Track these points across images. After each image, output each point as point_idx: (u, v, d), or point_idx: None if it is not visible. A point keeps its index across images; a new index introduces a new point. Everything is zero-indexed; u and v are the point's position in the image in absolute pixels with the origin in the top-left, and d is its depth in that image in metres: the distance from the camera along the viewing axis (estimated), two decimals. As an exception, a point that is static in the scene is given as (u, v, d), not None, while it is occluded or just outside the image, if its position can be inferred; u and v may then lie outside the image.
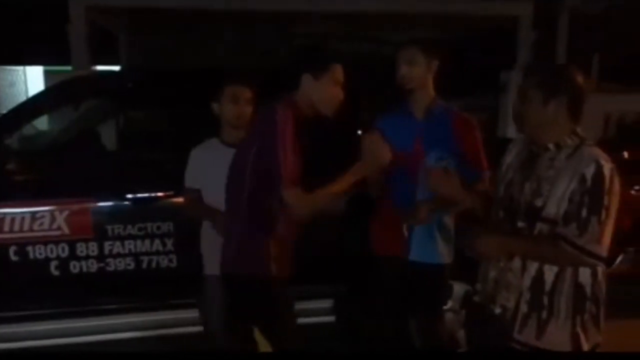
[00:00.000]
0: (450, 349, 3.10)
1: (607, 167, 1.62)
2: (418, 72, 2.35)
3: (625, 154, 3.62)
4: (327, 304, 3.09)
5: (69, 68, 5.83)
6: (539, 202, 1.70)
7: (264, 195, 2.00)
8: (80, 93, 3.33)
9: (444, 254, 2.45)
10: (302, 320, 3.02)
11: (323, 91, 2.07)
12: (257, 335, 2.03)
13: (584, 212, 1.61)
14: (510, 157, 1.90)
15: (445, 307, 3.10)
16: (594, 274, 1.72)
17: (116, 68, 6.77)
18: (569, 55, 8.92)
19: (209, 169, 2.52)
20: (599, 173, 1.60)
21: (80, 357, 2.82)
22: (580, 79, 1.72)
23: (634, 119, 6.55)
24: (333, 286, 3.09)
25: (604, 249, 1.65)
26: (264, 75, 3.19)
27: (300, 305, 3.03)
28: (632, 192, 3.66)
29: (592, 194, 1.60)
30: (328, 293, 3.09)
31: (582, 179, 1.61)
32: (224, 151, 2.53)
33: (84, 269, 2.89)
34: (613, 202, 1.62)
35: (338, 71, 2.09)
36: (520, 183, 1.78)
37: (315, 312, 3.07)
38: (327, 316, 3.08)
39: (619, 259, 3.55)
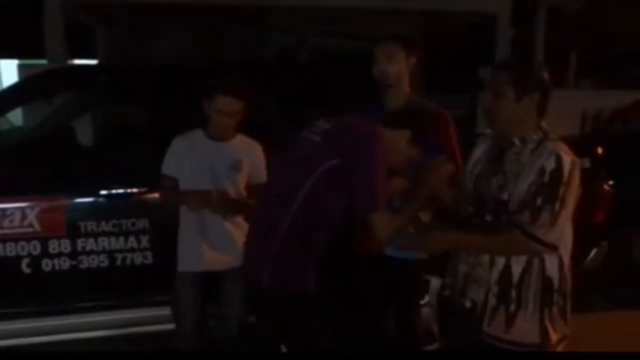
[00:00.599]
0: (426, 344, 3.13)
1: (567, 159, 1.66)
2: (397, 69, 2.35)
3: (600, 150, 3.67)
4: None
5: (44, 62, 5.73)
6: (504, 196, 1.73)
7: (333, 213, 1.86)
8: (54, 87, 3.27)
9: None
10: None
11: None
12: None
13: (539, 201, 1.65)
14: (478, 153, 1.93)
15: (422, 302, 3.12)
16: (561, 267, 1.75)
17: (94, 62, 6.68)
18: (547, 52, 9.04)
19: (189, 160, 2.50)
20: (558, 166, 1.64)
21: (80, 357, 2.83)
22: (550, 76, 1.75)
23: (611, 115, 6.65)
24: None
25: (555, 238, 1.69)
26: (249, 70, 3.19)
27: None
28: (606, 187, 3.72)
29: (548, 184, 1.64)
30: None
31: (542, 172, 1.65)
32: (207, 144, 2.52)
33: (57, 267, 2.84)
34: (570, 194, 1.66)
35: None
36: (488, 178, 1.81)
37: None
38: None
39: (593, 253, 3.60)
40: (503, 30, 6.50)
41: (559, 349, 1.77)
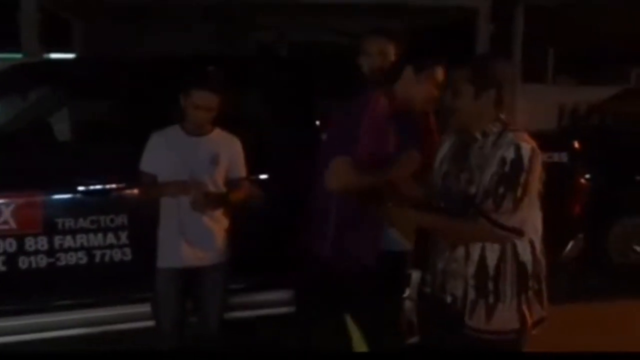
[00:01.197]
0: (408, 338, 3.15)
1: (526, 147, 1.70)
2: (388, 63, 2.35)
3: (576, 144, 3.73)
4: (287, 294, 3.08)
5: (19, 55, 5.63)
6: (472, 190, 1.77)
7: None
8: (28, 81, 3.20)
9: (401, 241, 2.46)
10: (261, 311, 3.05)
11: (421, 87, 2.10)
12: (350, 323, 2.05)
13: (501, 190, 1.70)
14: (444, 150, 1.97)
15: (403, 295, 3.14)
16: (533, 252, 1.80)
17: (70, 56, 6.57)
18: (525, 48, 9.14)
19: (167, 156, 2.48)
20: (517, 155, 1.69)
21: (80, 357, 2.81)
22: (507, 70, 1.79)
23: (588, 110, 6.76)
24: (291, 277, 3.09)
25: (518, 222, 1.73)
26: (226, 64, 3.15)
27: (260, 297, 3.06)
28: (582, 181, 3.78)
29: (509, 172, 1.69)
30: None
31: (502, 162, 1.70)
32: (185, 140, 2.50)
33: (33, 265, 2.79)
34: (531, 181, 1.71)
35: (439, 72, 2.11)
36: (456, 174, 1.85)
37: (274, 303, 3.07)
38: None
39: (570, 245, 3.66)
40: (483, 26, 6.55)
41: (536, 331, 1.82)
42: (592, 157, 4.01)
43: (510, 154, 1.69)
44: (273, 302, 3.05)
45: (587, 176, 3.86)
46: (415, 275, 3.15)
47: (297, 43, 7.16)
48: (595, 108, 6.30)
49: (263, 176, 3.01)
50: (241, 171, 2.60)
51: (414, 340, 3.17)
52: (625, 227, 4.43)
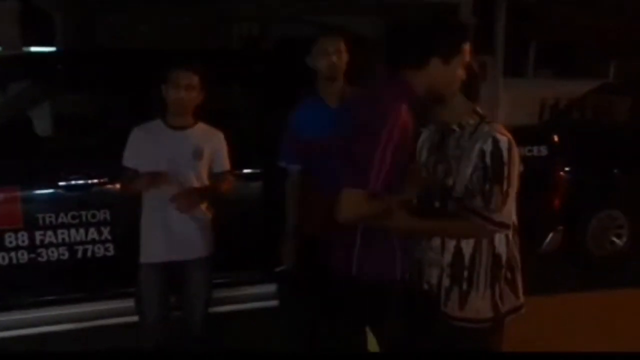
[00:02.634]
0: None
1: (504, 140, 1.73)
2: (343, 62, 2.42)
3: (556, 138, 3.78)
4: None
5: (-3, 49, 5.53)
6: (449, 181, 1.80)
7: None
8: (8, 75, 3.16)
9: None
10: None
11: (452, 75, 1.79)
12: (370, 336, 1.99)
13: (487, 185, 1.72)
14: (422, 140, 1.99)
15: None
16: (507, 243, 1.83)
17: (50, 49, 6.47)
18: (507, 42, 9.22)
19: (149, 150, 2.46)
20: (495, 147, 1.71)
21: (79, 357, 2.80)
22: (475, 63, 1.85)
23: (568, 105, 6.84)
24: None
25: (507, 217, 1.77)
26: (208, 57, 3.14)
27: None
28: (562, 173, 3.84)
29: (492, 167, 1.71)
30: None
31: (481, 155, 1.73)
32: (167, 134, 2.49)
33: (14, 261, 2.77)
34: (512, 172, 1.74)
35: (467, 52, 1.81)
36: (434, 165, 1.88)
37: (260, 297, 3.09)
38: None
39: (549, 237, 3.73)
40: (464, 20, 6.58)
41: (509, 320, 1.86)
42: (572, 150, 4.08)
43: (488, 147, 1.71)
44: (258, 296, 3.07)
45: (567, 169, 3.93)
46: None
47: (280, 37, 7.15)
48: (575, 102, 6.38)
49: (247, 170, 3.02)
50: (225, 165, 2.60)
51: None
52: (604, 220, 4.52)
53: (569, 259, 4.37)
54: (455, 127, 1.83)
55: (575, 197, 4.05)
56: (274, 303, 3.05)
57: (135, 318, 2.61)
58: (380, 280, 1.91)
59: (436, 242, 1.85)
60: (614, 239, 4.55)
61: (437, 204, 1.85)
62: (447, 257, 1.83)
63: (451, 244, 1.82)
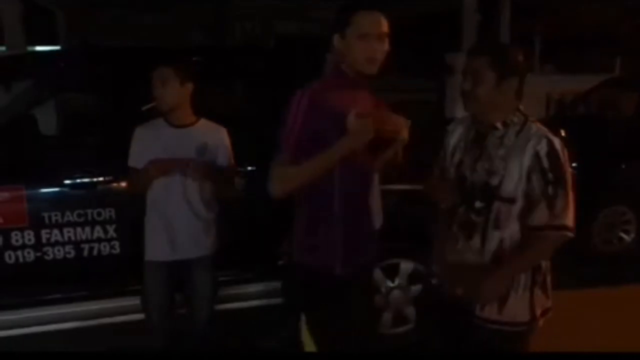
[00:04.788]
0: (397, 326, 3.18)
1: (557, 141, 1.70)
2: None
3: (562, 133, 3.75)
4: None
5: (2, 48, 5.55)
6: (494, 181, 1.74)
7: None
8: (11, 74, 3.16)
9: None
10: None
11: (352, 49, 1.78)
12: (305, 330, 1.94)
13: (550, 189, 1.67)
14: (454, 139, 1.92)
15: (392, 285, 3.16)
16: None
17: (54, 48, 6.48)
18: (512, 38, 9.18)
19: (152, 149, 2.45)
20: (552, 149, 1.68)
21: (79, 357, 2.79)
22: (526, 60, 1.78)
23: (573, 100, 6.81)
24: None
25: (572, 220, 1.74)
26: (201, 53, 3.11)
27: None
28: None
29: (551, 169, 1.67)
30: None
31: (537, 156, 1.68)
32: (168, 132, 2.48)
33: (20, 260, 2.77)
34: (569, 173, 1.71)
35: (366, 21, 1.77)
36: (472, 163, 1.81)
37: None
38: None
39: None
40: (469, 16, 6.56)
41: (541, 322, 1.83)
42: (578, 145, 4.05)
43: (543, 148, 1.67)
44: (262, 294, 3.06)
45: (573, 165, 3.89)
46: (404, 264, 3.18)
47: (283, 34, 7.13)
48: (581, 97, 6.34)
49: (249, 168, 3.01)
50: (229, 160, 2.59)
51: (405, 328, 3.21)
52: (610, 215, 4.49)
53: (576, 255, 4.35)
54: (498, 124, 1.76)
55: (581, 193, 4.01)
56: (277, 300, 3.05)
57: (140, 316, 2.61)
58: (316, 268, 1.87)
59: (476, 242, 1.79)
60: (622, 234, 4.53)
61: (477, 204, 1.78)
62: (487, 257, 1.78)
63: (492, 245, 1.77)
